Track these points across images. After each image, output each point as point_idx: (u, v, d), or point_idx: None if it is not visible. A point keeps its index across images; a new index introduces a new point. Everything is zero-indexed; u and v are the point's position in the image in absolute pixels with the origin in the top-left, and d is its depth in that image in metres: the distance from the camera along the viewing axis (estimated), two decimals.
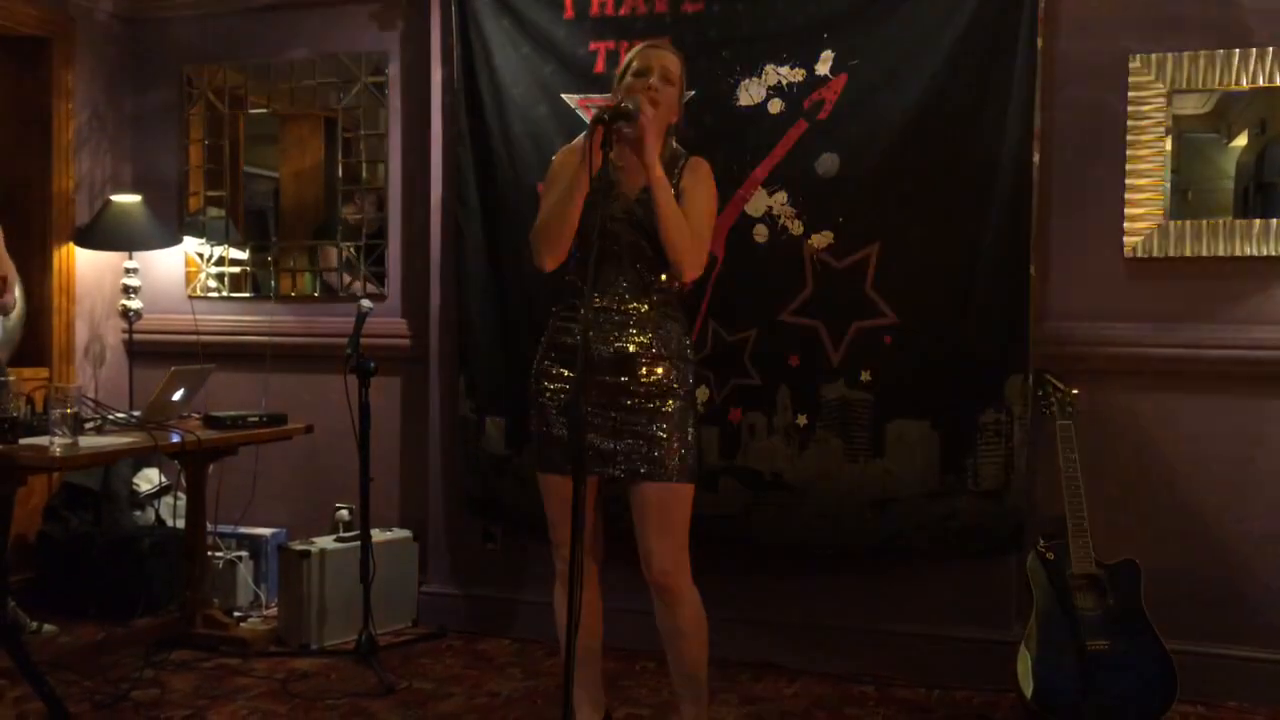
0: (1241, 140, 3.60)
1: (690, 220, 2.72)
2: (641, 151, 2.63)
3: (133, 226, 4.55)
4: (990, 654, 3.57)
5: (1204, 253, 3.51)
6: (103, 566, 4.21)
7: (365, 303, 3.82)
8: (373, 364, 3.76)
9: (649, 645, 3.74)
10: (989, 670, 3.56)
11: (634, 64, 2.79)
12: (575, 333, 2.73)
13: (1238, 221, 3.50)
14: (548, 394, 2.82)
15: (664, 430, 2.73)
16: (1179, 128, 3.56)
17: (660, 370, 2.75)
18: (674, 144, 2.88)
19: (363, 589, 3.81)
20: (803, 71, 3.68)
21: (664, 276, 2.78)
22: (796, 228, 3.69)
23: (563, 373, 2.79)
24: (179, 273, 4.77)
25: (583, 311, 2.56)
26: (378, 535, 4.08)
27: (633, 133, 2.66)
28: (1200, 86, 3.50)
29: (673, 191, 2.71)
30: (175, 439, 3.54)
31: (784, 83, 3.70)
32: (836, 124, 3.65)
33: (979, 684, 3.60)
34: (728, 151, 3.66)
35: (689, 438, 2.78)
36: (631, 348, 2.74)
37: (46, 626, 4.01)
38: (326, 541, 4.11)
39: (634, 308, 2.76)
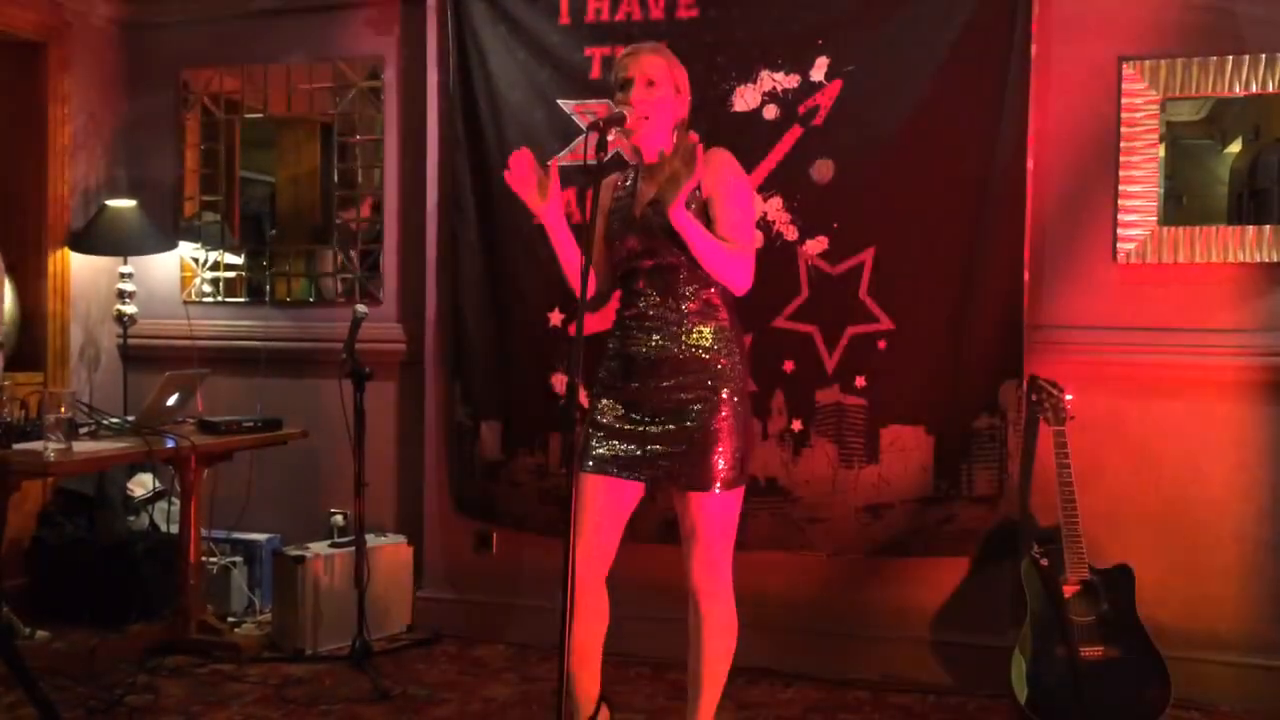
0: (1235, 146, 3.61)
1: (726, 233, 2.63)
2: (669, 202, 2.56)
3: (128, 231, 4.55)
4: (984, 660, 3.57)
5: (1198, 259, 3.52)
6: (97, 572, 4.20)
7: (360, 308, 3.82)
8: (368, 369, 3.76)
9: (644, 651, 3.75)
10: (983, 676, 3.56)
11: (619, 74, 2.78)
12: (625, 343, 2.73)
13: (1231, 228, 3.51)
14: (598, 401, 2.78)
15: (704, 438, 2.66)
16: (1173, 134, 3.57)
17: (695, 374, 2.67)
18: (686, 139, 2.79)
19: (357, 594, 3.81)
20: (798, 77, 3.69)
21: (694, 282, 2.70)
22: (791, 233, 3.69)
23: (613, 382, 2.77)
24: (174, 277, 4.77)
25: (577, 321, 2.55)
26: (373, 540, 4.07)
27: (624, 135, 2.70)
28: (1194, 93, 3.51)
29: (693, 218, 2.59)
30: (170, 444, 3.54)
31: (779, 89, 3.71)
32: (831, 130, 3.66)
33: (973, 690, 3.60)
34: None
35: (733, 443, 2.68)
36: (663, 351, 2.68)
37: (40, 632, 3.99)
38: (321, 547, 4.10)
39: (665, 313, 2.69)
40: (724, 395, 2.68)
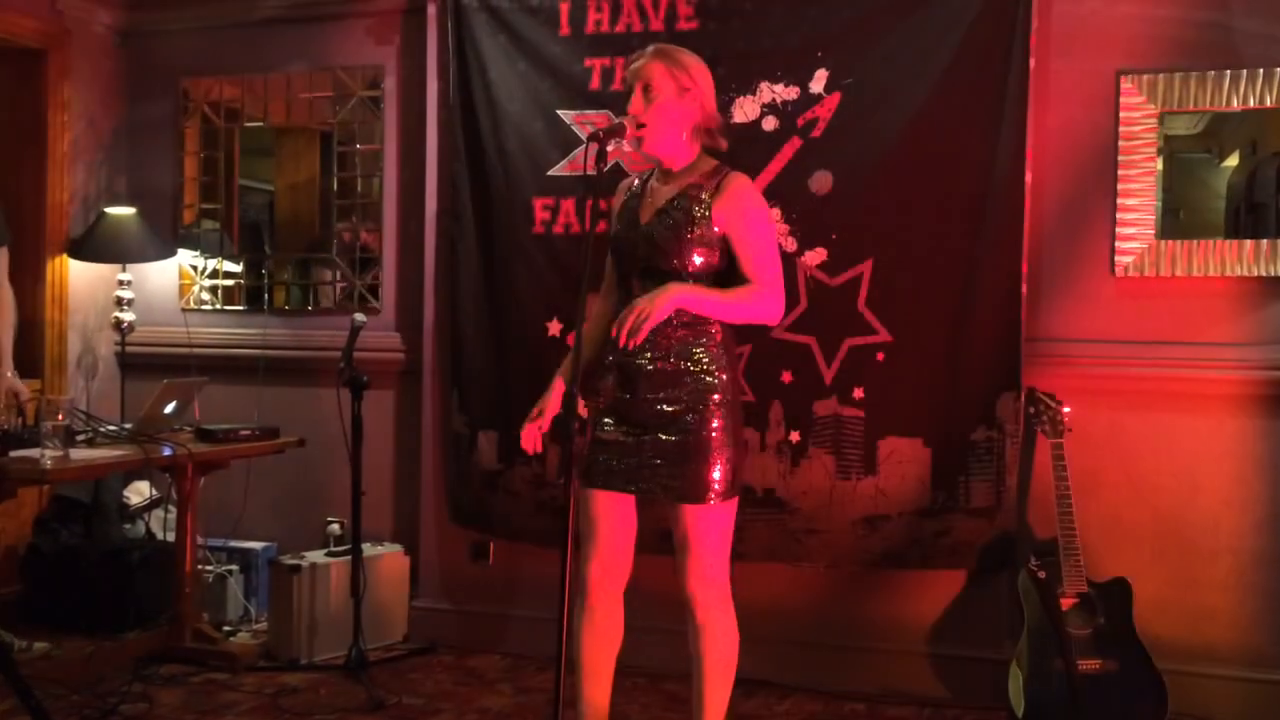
0: (1233, 160, 3.62)
1: (752, 270, 2.63)
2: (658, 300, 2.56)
3: (127, 238, 4.55)
4: (981, 672, 3.57)
5: (1195, 273, 3.52)
6: (92, 579, 4.18)
7: (359, 316, 3.82)
8: (365, 377, 3.76)
9: (641, 662, 3.74)
10: (980, 689, 3.56)
11: (624, 84, 2.78)
12: (619, 353, 2.67)
13: (1229, 242, 3.52)
14: (598, 414, 2.76)
15: (696, 449, 2.64)
16: (1170, 148, 3.58)
17: (687, 387, 2.65)
18: (704, 153, 2.75)
19: (353, 604, 3.80)
20: (797, 89, 3.70)
21: None
22: (790, 244, 3.70)
23: (608, 393, 2.74)
24: (173, 285, 4.77)
25: (576, 331, 2.54)
26: (369, 550, 4.07)
27: (632, 146, 2.71)
28: (1191, 107, 3.52)
29: (701, 292, 2.61)
30: (166, 452, 3.54)
31: (778, 100, 3.72)
32: (830, 142, 3.67)
33: (970, 702, 3.60)
34: None
35: (725, 454, 2.65)
36: (656, 364, 2.66)
37: (37, 645, 3.96)
38: (317, 556, 4.09)
39: (660, 324, 2.61)
40: (716, 407, 2.66)
